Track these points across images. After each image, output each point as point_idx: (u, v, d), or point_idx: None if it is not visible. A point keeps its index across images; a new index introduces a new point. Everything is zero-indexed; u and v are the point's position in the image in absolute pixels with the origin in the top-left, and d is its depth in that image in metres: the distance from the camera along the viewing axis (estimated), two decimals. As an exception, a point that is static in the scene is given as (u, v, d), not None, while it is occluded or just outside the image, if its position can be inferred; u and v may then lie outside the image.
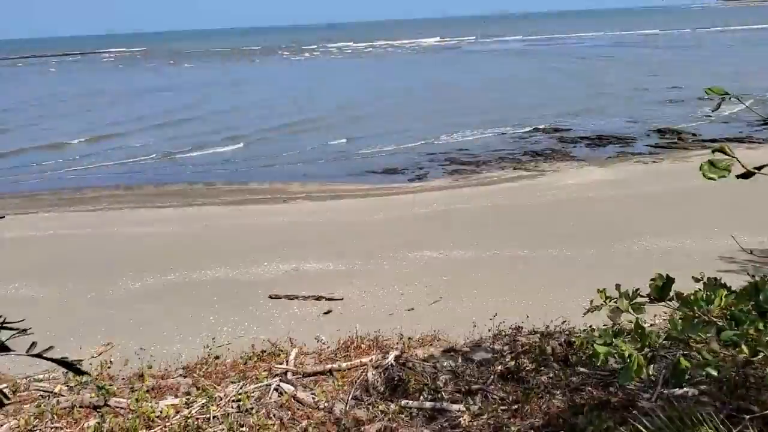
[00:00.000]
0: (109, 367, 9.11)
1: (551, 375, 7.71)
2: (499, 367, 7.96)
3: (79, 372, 1.75)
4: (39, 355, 1.66)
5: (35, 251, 18.58)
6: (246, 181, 29.36)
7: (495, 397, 7.34)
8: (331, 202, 24.55)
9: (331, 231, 19.71)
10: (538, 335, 9.03)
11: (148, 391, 8.12)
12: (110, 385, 8.31)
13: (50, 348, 1.69)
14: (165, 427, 7.15)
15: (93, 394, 8.07)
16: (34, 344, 1.66)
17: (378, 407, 7.27)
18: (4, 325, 1.59)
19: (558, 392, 7.31)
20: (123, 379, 8.87)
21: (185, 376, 8.76)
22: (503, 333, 9.26)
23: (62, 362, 1.66)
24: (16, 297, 14.95)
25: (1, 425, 7.81)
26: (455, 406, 7.15)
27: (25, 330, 1.59)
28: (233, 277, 15.91)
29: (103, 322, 13.34)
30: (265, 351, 9.64)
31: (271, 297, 14.41)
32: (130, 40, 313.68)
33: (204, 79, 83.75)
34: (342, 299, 14.10)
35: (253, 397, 7.71)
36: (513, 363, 8.00)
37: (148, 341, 12.15)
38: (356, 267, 16.15)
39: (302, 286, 14.93)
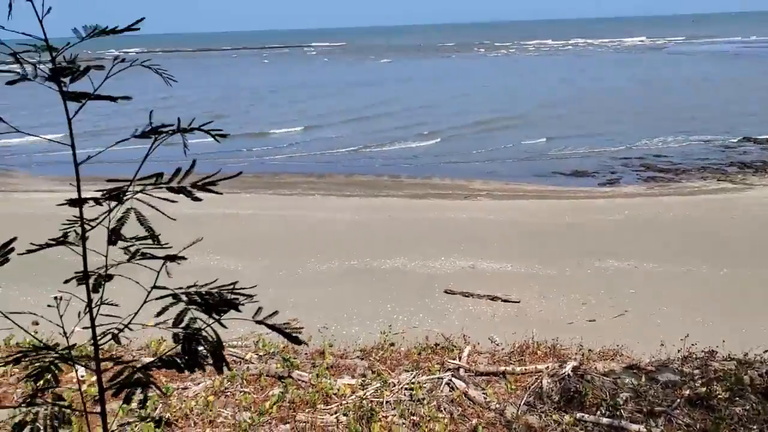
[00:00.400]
0: (294, 342, 9.72)
1: (747, 407, 7.02)
2: (687, 392, 7.40)
3: (298, 342, 1.87)
4: (262, 322, 1.80)
5: (237, 227, 20.27)
6: (429, 175, 29.83)
7: (680, 422, 6.83)
8: (512, 202, 24.20)
9: (511, 231, 19.44)
10: (735, 362, 8.26)
11: (327, 368, 8.56)
12: (294, 359, 8.88)
13: (274, 313, 1.83)
14: (341, 404, 7.49)
15: (278, 365, 8.66)
16: (260, 309, 1.81)
17: (551, 416, 7.07)
18: (235, 289, 1.75)
19: (755, 427, 6.64)
20: (306, 354, 9.42)
21: (362, 359, 9.11)
22: (694, 356, 8.59)
23: (282, 331, 1.79)
24: (218, 268, 16.41)
25: (199, 383, 8.64)
26: (635, 427, 6.76)
27: (251, 296, 1.74)
28: (411, 269, 16.23)
29: (291, 299, 14.25)
30: (438, 344, 9.76)
31: (446, 292, 14.52)
32: (318, 34, 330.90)
33: (403, 74, 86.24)
34: (519, 302, 13.86)
35: (425, 388, 7.83)
36: (704, 389, 7.38)
37: (330, 321, 12.79)
38: (535, 270, 15.78)
39: (478, 284, 14.88)
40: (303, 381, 8.19)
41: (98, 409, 2.00)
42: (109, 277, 1.81)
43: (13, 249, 1.91)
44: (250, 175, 30.61)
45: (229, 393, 8.19)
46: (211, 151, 33.73)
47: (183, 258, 1.81)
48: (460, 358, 8.79)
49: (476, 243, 18.01)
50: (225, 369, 1.71)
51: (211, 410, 7.57)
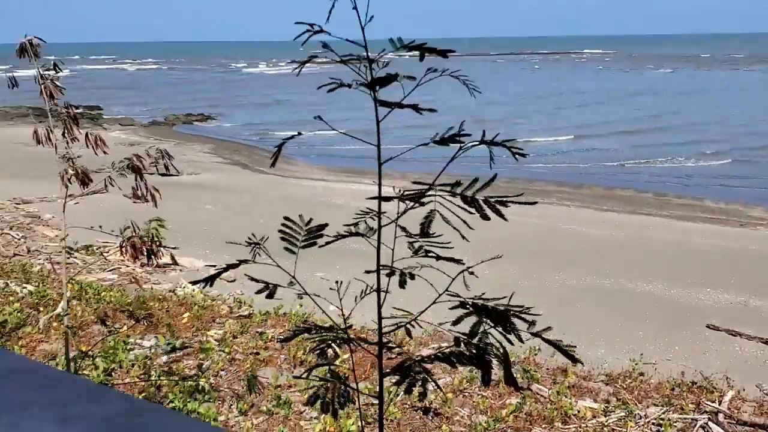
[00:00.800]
0: (535, 354, 9.56)
1: None
2: None
3: (574, 360, 1.84)
4: (538, 334, 1.80)
5: (488, 231, 20.46)
6: (701, 197, 27.32)
7: None
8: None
9: (796, 269, 17.05)
10: None
11: (569, 387, 8.29)
12: (535, 372, 8.73)
13: (548, 329, 1.82)
14: (580, 427, 7.21)
15: (518, 375, 8.58)
16: (533, 323, 1.81)
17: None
18: (511, 306, 1.77)
19: None
20: (547, 369, 9.22)
21: (607, 384, 8.67)
22: None
23: (559, 347, 1.78)
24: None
25: (439, 379, 8.89)
26: None
27: (525, 316, 1.75)
28: (668, 296, 15.04)
29: (534, 310, 14.03)
30: (695, 383, 8.95)
31: (708, 327, 13.20)
32: (589, 42, 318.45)
33: (685, 86, 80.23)
34: (798, 350, 12.12)
35: (675, 427, 7.23)
36: None
37: (573, 339, 12.34)
38: (823, 317, 13.68)
39: (748, 323, 13.30)
40: (542, 396, 8.03)
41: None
42: (412, 276, 1.94)
43: (322, 235, 2.13)
44: (503, 180, 30.66)
45: (467, 393, 8.32)
46: (469, 154, 34.55)
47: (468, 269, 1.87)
48: (719, 402, 7.94)
49: (750, 277, 16.10)
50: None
51: (449, 407, 7.76)
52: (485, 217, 1.86)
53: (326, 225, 2.15)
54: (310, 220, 2.16)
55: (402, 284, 1.90)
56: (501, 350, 1.71)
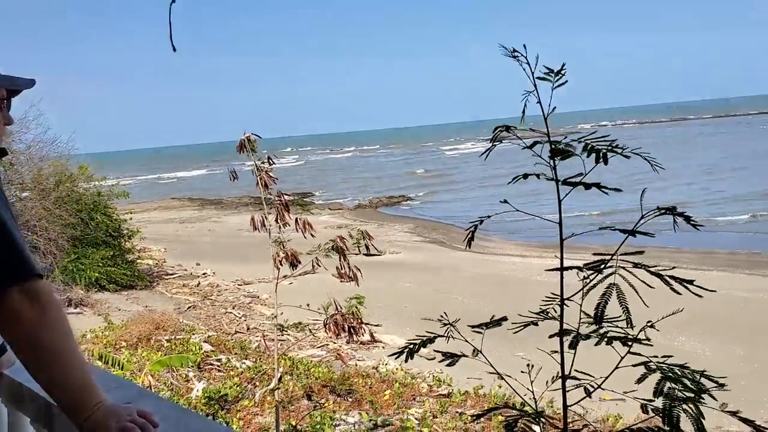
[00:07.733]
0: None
1: None
2: None
3: None
4: (734, 413, 1.64)
5: (716, 307, 18.73)
6: None
7: None
8: None
9: None
10: None
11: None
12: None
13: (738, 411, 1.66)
14: None
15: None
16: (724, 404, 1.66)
17: None
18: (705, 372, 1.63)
19: None
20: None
21: None
22: None
23: (750, 422, 1.61)
24: (680, 350, 15.34)
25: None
26: None
27: (723, 385, 1.61)
28: None
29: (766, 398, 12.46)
30: None
31: None
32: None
33: None
34: None
35: None
36: None
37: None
38: None
39: None
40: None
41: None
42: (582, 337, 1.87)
43: (500, 323, 2.16)
44: (724, 252, 28.06)
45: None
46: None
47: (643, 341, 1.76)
48: None
49: None
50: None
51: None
52: (676, 291, 1.74)
53: (505, 319, 2.19)
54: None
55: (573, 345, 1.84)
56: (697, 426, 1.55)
